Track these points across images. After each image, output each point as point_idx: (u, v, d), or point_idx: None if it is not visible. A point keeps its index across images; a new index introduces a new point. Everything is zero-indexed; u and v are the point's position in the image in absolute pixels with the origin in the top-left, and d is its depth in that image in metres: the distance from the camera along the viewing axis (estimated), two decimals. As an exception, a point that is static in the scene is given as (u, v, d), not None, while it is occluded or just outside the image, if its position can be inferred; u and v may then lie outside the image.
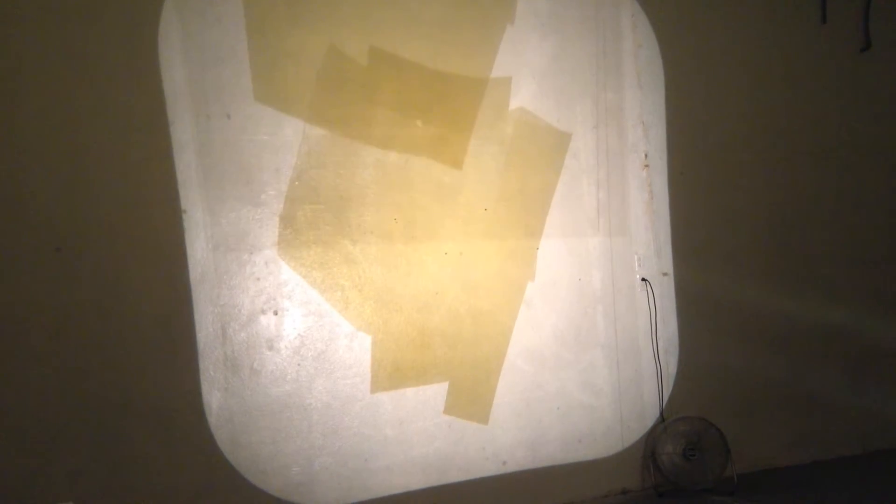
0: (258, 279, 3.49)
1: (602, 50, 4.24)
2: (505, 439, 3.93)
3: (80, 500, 3.16)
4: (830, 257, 4.78)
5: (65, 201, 3.20)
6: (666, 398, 4.28)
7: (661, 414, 4.26)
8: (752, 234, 4.59)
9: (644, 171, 4.34)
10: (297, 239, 3.57)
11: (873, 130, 4.92)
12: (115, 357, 3.25)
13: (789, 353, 4.64)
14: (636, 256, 4.31)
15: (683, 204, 4.41)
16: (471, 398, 3.86)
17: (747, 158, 4.60)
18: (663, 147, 4.38)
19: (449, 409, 3.81)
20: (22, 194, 3.15)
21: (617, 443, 4.18)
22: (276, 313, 3.51)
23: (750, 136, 4.61)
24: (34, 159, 3.17)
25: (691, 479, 4.14)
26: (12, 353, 3.10)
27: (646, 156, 4.34)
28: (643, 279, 4.30)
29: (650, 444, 4.21)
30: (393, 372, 3.70)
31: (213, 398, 3.39)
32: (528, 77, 4.06)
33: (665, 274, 4.36)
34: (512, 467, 3.93)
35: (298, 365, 3.54)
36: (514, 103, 4.02)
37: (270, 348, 3.50)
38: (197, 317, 3.38)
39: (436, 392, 3.80)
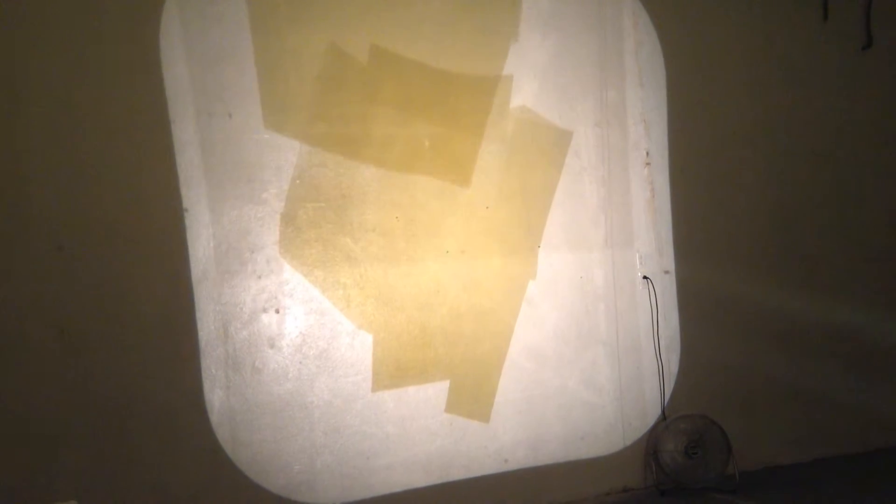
0: (260, 277, 3.49)
1: (603, 48, 4.24)
2: (507, 437, 3.93)
3: (83, 499, 3.16)
4: (832, 255, 4.77)
5: (66, 200, 3.21)
6: (667, 396, 4.28)
7: (663, 412, 4.26)
8: (754, 231, 4.59)
9: (646, 168, 4.33)
10: (298, 237, 3.57)
11: (875, 128, 4.91)
12: (117, 356, 3.25)
13: (791, 350, 4.64)
14: (638, 254, 4.30)
15: (685, 201, 4.41)
16: (472, 396, 3.86)
17: (749, 156, 4.60)
18: (665, 145, 4.37)
19: (450, 408, 3.81)
20: (23, 193, 3.15)
21: (618, 441, 4.18)
22: (277, 311, 3.52)
23: (751, 134, 4.61)
24: (36, 158, 3.17)
25: (693, 477, 4.14)
26: (14, 351, 3.10)
27: (647, 153, 4.34)
28: (645, 277, 4.30)
29: (652, 441, 4.21)
30: (394, 370, 3.71)
31: (215, 396, 3.39)
32: (530, 75, 4.06)
33: (667, 272, 4.36)
34: (514, 465, 3.93)
35: (300, 363, 3.55)
36: (516, 101, 4.02)
37: (272, 346, 3.51)
38: (198, 315, 3.38)
39: (437, 390, 3.80)
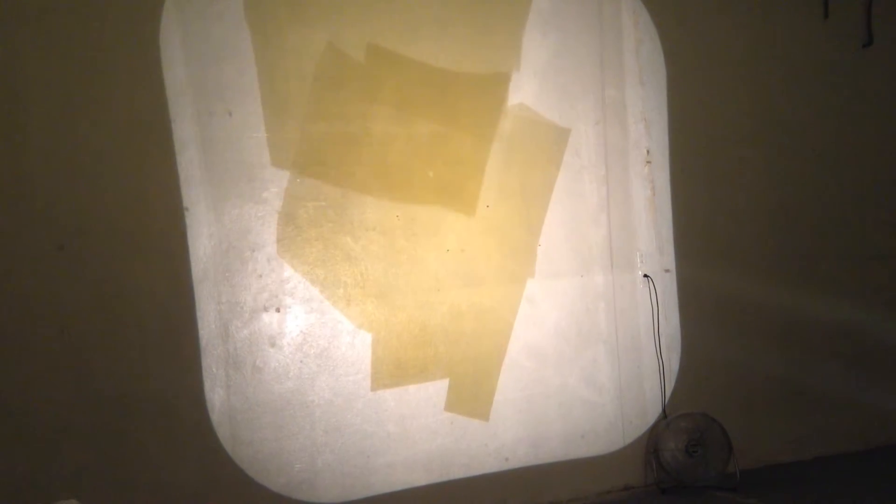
0: (260, 276, 3.49)
1: (603, 47, 4.23)
2: (507, 436, 3.93)
3: (84, 497, 3.16)
4: (832, 253, 4.77)
5: (67, 199, 3.21)
6: (668, 394, 4.28)
7: (664, 410, 4.26)
8: (755, 230, 4.59)
9: (646, 167, 4.33)
10: (299, 236, 3.57)
11: (875, 126, 4.91)
12: (118, 354, 3.25)
13: (791, 349, 4.64)
14: (638, 253, 4.30)
15: (686, 200, 4.40)
16: (472, 395, 3.86)
17: (749, 154, 4.59)
18: (665, 143, 4.37)
19: (450, 406, 3.81)
20: (24, 192, 3.15)
21: (619, 439, 4.18)
22: (278, 310, 3.52)
23: (752, 132, 4.60)
24: (36, 157, 3.17)
25: (694, 475, 4.14)
26: (15, 350, 3.10)
27: (648, 152, 4.34)
28: (645, 275, 4.30)
29: (652, 440, 4.21)
30: (394, 369, 3.71)
31: (216, 395, 3.39)
32: (530, 73, 4.06)
33: (667, 270, 4.36)
34: (514, 464, 3.93)
35: (301, 362, 3.55)
36: (515, 100, 4.02)
37: (273, 345, 3.51)
38: (199, 314, 3.38)
39: (438, 389, 3.80)
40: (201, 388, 3.36)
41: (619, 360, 4.22)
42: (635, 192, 4.30)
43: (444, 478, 3.77)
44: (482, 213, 3.93)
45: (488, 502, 3.85)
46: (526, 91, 4.04)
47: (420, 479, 3.72)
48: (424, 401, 3.76)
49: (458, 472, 3.81)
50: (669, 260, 4.37)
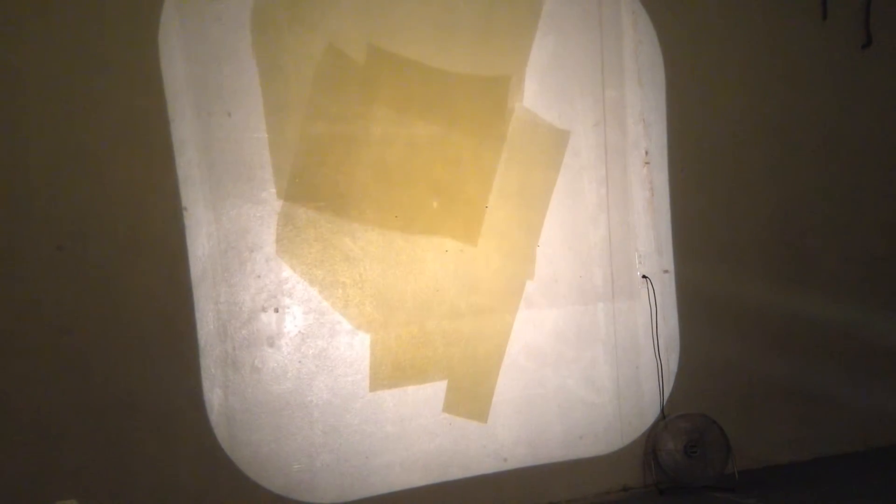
0: (259, 276, 3.49)
1: (603, 47, 4.23)
2: (506, 436, 3.93)
3: (83, 497, 3.16)
4: (831, 254, 4.77)
5: (66, 199, 3.21)
6: (667, 395, 4.28)
7: (662, 411, 4.26)
8: (754, 230, 4.59)
9: (645, 168, 4.34)
10: (298, 236, 3.57)
11: (874, 127, 4.91)
12: (117, 355, 3.25)
13: (790, 349, 4.64)
14: (637, 253, 4.31)
15: (684, 201, 4.41)
16: (470, 396, 3.86)
17: (748, 155, 4.60)
18: (664, 144, 4.37)
19: (448, 408, 3.81)
20: (23, 192, 3.15)
21: (618, 440, 4.18)
22: (276, 311, 3.52)
23: (751, 133, 4.60)
24: (35, 158, 3.17)
25: (692, 475, 4.14)
26: (14, 350, 3.10)
27: (646, 153, 4.34)
28: (644, 276, 4.30)
29: (651, 440, 4.21)
30: (393, 370, 3.71)
31: (215, 396, 3.40)
32: (529, 74, 4.06)
33: (666, 271, 4.36)
34: (513, 464, 3.93)
35: (299, 362, 3.55)
36: (515, 101, 4.02)
37: (271, 346, 3.51)
38: (198, 314, 3.38)
39: (436, 389, 3.80)
40: (200, 388, 3.37)
41: (617, 360, 4.22)
42: (634, 192, 4.31)
43: (443, 478, 3.77)
44: (482, 213, 3.93)
45: (487, 503, 3.85)
46: (525, 92, 4.04)
47: (419, 479, 3.72)
48: (423, 401, 3.76)
49: (456, 473, 3.81)
50: (668, 260, 4.37)
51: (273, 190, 3.52)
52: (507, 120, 4.00)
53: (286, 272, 3.54)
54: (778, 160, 4.66)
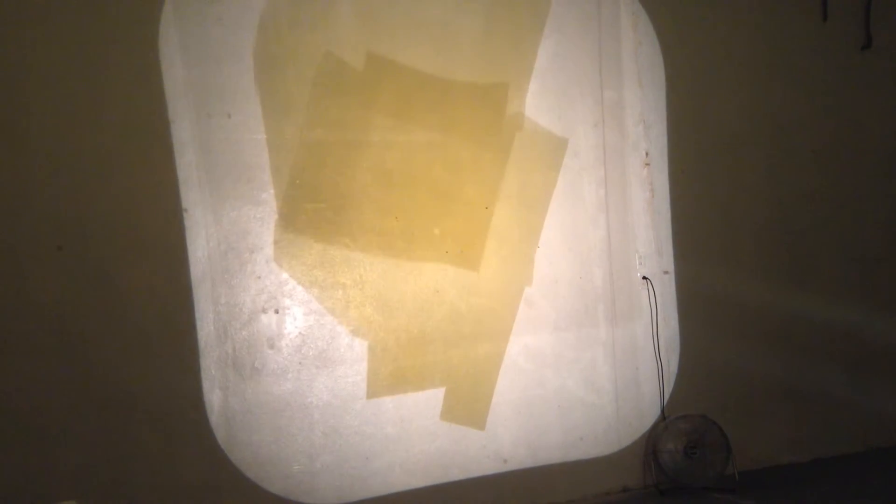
0: (259, 278, 3.49)
1: (602, 48, 4.23)
2: (506, 438, 3.93)
3: (83, 498, 3.16)
4: (831, 255, 4.77)
5: (66, 200, 3.21)
6: (667, 396, 4.28)
7: (662, 412, 4.26)
8: (754, 231, 4.59)
9: (645, 169, 4.34)
10: (298, 238, 3.57)
11: (874, 128, 4.91)
12: (117, 356, 3.25)
13: (790, 350, 4.64)
14: (637, 254, 4.31)
15: (684, 202, 4.41)
16: (469, 402, 3.85)
17: (748, 156, 4.60)
18: (664, 145, 4.37)
19: (445, 415, 3.80)
20: (23, 193, 3.15)
21: (618, 441, 4.18)
22: (277, 312, 3.52)
23: (751, 134, 4.60)
24: (35, 158, 3.18)
25: (692, 476, 4.14)
26: (14, 351, 3.11)
27: (647, 154, 4.34)
28: (644, 277, 4.30)
29: (651, 441, 4.21)
30: (393, 373, 3.70)
31: (215, 397, 3.40)
32: (528, 76, 4.05)
33: (666, 272, 4.36)
34: (513, 466, 3.93)
35: (299, 363, 3.55)
36: (514, 103, 4.01)
37: (271, 347, 3.51)
38: (198, 315, 3.38)
39: (436, 392, 3.80)
40: (200, 389, 3.37)
41: (618, 362, 4.22)
42: (634, 193, 4.31)
43: (443, 480, 3.77)
44: (481, 214, 3.93)
45: (487, 504, 3.86)
46: (525, 93, 4.04)
47: (419, 481, 3.72)
48: (423, 403, 3.76)
49: (456, 474, 3.81)
50: (668, 261, 4.37)
51: (273, 191, 3.52)
52: (507, 121, 3.99)
53: (286, 273, 3.54)
54: (778, 161, 4.66)
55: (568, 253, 4.13)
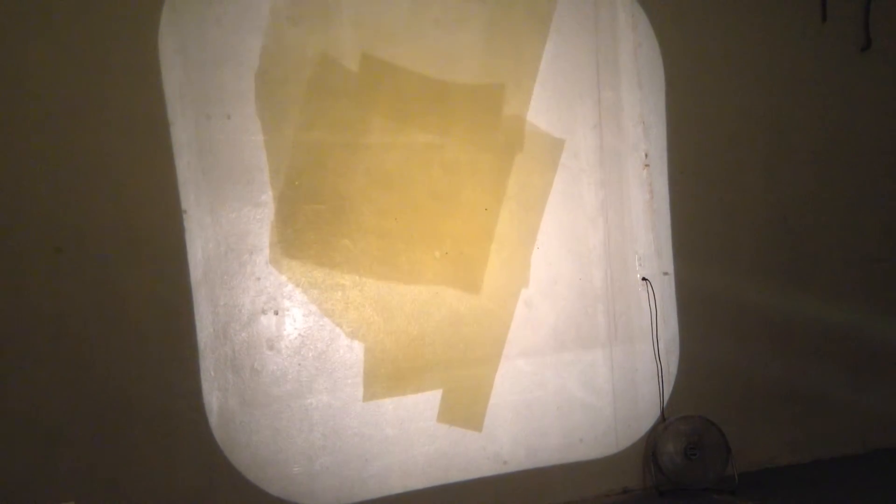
0: (258, 279, 3.49)
1: (601, 49, 4.24)
2: (506, 439, 3.93)
3: (82, 499, 3.16)
4: (831, 256, 4.77)
5: (65, 202, 3.21)
6: (666, 397, 4.28)
7: (662, 413, 4.26)
8: (753, 232, 4.59)
9: (644, 170, 4.34)
10: (297, 239, 3.57)
11: (873, 129, 4.91)
12: (116, 357, 3.25)
13: (790, 352, 4.64)
14: (636, 256, 4.31)
15: (684, 203, 4.41)
16: (466, 404, 3.85)
17: (748, 157, 4.60)
18: (664, 146, 4.38)
19: (442, 417, 3.80)
20: (22, 194, 3.15)
21: (617, 442, 4.18)
22: (276, 313, 3.52)
23: (750, 135, 4.61)
24: (34, 160, 3.18)
25: (692, 478, 4.14)
26: (13, 353, 3.11)
27: (646, 155, 4.34)
28: (644, 278, 4.30)
29: (651, 443, 4.21)
30: (392, 374, 3.70)
31: (214, 398, 3.40)
32: (527, 77, 4.05)
33: (666, 273, 4.36)
34: (513, 467, 3.93)
35: (299, 365, 3.55)
36: (513, 104, 4.02)
37: (271, 348, 3.51)
38: (197, 317, 3.38)
39: (435, 393, 3.80)
40: (199, 390, 3.37)
41: (617, 363, 4.22)
42: (633, 194, 4.31)
43: (442, 481, 3.77)
44: (481, 215, 3.93)
45: (486, 505, 3.86)
46: (524, 94, 4.04)
47: (418, 482, 3.72)
48: (423, 404, 3.76)
49: (456, 476, 3.81)
50: (668, 263, 4.37)
51: (273, 193, 3.53)
52: (505, 122, 3.99)
53: (286, 275, 3.54)
54: (777, 162, 4.66)
55: (567, 254, 4.13)
